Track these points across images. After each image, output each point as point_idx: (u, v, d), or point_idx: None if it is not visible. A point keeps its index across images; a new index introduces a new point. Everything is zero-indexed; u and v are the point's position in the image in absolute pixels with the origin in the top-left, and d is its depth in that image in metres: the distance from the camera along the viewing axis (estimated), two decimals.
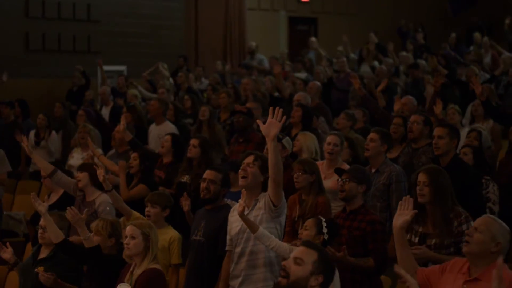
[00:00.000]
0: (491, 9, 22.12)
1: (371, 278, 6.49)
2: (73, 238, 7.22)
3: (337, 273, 5.80)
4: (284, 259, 6.09)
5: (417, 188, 6.01)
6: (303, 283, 4.34)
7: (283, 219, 6.40)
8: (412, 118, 8.70)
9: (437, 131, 7.49)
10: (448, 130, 7.47)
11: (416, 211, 5.06)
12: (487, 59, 16.87)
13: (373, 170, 7.84)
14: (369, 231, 6.43)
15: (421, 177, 6.02)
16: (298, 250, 4.50)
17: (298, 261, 4.40)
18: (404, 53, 17.27)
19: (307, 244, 4.56)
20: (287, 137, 8.55)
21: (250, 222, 6.04)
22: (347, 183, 6.56)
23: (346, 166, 7.53)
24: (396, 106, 10.59)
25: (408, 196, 5.10)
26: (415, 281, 4.47)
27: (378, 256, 6.41)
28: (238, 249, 6.32)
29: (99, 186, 7.78)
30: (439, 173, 6.04)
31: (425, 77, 13.55)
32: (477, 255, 4.78)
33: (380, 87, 11.52)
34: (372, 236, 6.43)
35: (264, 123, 5.84)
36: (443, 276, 4.92)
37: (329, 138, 8.18)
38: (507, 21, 19.27)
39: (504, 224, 4.86)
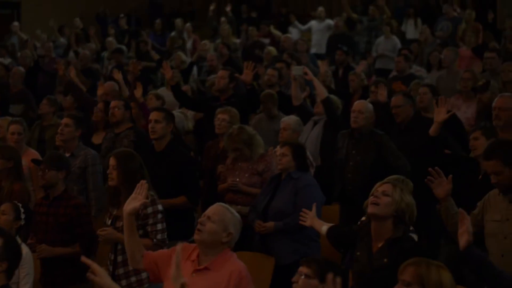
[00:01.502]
0: None
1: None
2: None
3: (30, 256, 5.88)
4: None
5: (107, 171, 6.10)
6: None
7: None
8: (113, 103, 8.80)
9: (153, 115, 7.41)
10: (164, 114, 7.43)
11: (146, 200, 4.87)
12: (188, 45, 17.29)
13: (68, 155, 7.82)
14: (74, 216, 6.54)
15: (111, 161, 6.09)
16: None
17: None
18: (109, 39, 17.32)
19: None
20: None
21: None
22: (47, 171, 6.59)
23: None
24: (100, 91, 10.63)
25: (144, 181, 4.95)
26: (104, 272, 4.15)
27: (84, 240, 6.54)
28: None
29: None
30: (128, 157, 6.07)
31: (129, 62, 13.67)
32: (208, 245, 4.72)
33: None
34: (78, 220, 6.55)
35: None
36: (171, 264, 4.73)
37: (11, 127, 8.27)
38: (212, 8, 19.71)
39: (236, 213, 4.86)
